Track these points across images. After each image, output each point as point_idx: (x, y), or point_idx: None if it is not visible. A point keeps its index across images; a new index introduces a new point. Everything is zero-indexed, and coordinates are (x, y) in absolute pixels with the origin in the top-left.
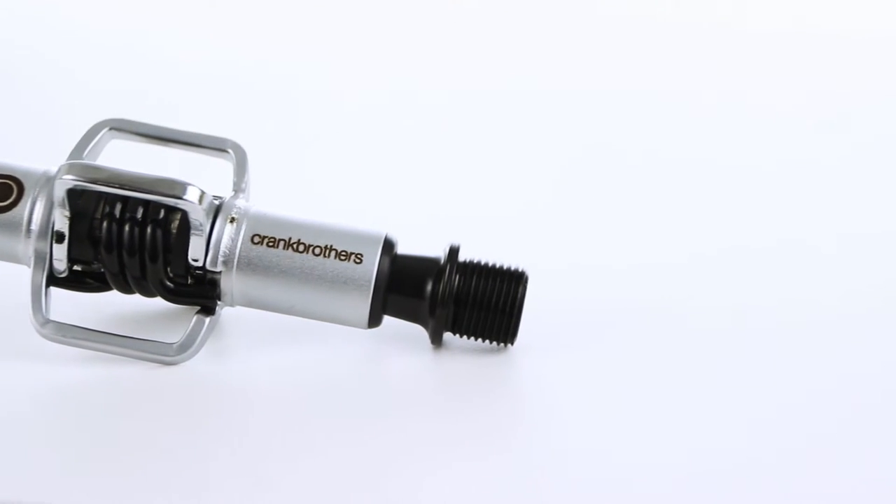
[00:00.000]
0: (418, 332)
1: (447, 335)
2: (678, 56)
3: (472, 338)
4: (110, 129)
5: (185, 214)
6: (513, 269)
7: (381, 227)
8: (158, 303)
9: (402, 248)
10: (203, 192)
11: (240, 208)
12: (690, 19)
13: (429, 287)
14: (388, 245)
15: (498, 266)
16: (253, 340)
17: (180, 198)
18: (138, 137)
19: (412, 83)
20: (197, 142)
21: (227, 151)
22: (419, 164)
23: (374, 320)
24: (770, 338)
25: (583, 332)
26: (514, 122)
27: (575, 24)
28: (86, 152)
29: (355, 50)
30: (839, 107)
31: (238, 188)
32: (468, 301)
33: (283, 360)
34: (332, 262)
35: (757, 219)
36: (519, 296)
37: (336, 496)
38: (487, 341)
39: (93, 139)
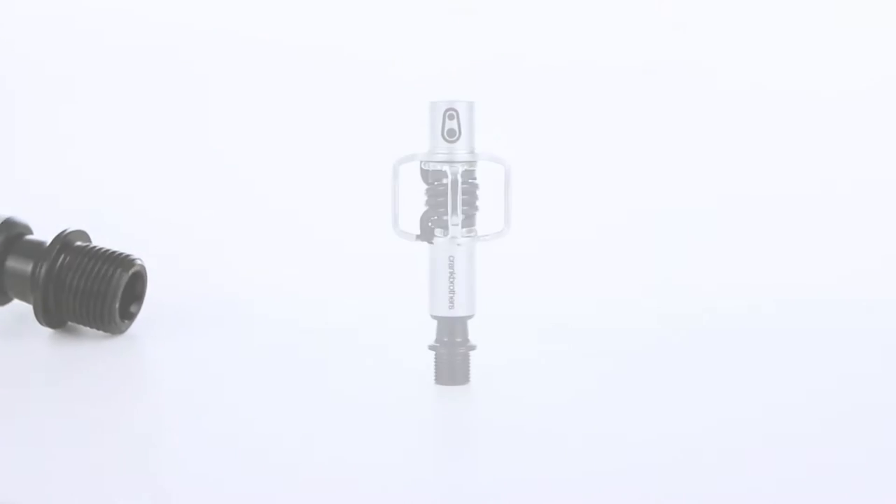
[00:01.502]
0: None
1: None
2: None
3: (81, 324)
4: None
5: None
6: (123, 255)
7: (12, 211)
8: None
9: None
10: None
11: None
12: None
13: (30, 269)
14: (6, 226)
15: (109, 252)
16: None
17: None
18: None
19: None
20: None
21: None
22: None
23: None
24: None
25: (202, 322)
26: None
27: None
28: None
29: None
30: None
31: None
32: (66, 284)
33: None
34: None
35: None
36: (115, 281)
37: None
38: (96, 329)
39: None
